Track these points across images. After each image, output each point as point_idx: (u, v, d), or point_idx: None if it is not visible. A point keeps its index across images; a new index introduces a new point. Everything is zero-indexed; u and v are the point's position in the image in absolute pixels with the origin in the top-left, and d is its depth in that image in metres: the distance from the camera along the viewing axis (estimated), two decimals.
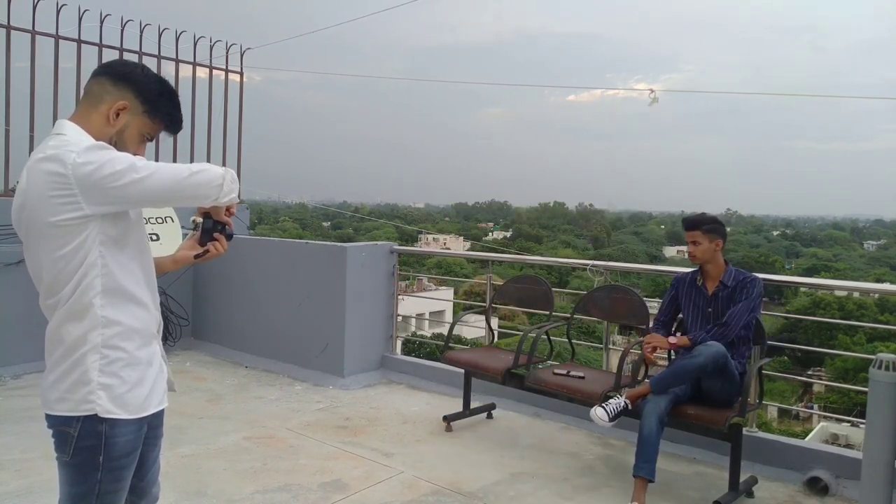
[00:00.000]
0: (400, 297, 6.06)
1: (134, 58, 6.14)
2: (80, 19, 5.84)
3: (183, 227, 5.43)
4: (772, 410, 19.96)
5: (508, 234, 60.13)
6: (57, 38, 5.76)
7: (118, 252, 1.67)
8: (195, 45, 6.68)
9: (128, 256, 1.70)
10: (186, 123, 6.63)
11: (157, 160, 1.66)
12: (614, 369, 3.85)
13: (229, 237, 1.89)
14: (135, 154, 1.70)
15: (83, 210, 1.58)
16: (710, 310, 3.63)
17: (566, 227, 67.01)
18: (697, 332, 3.56)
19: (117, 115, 1.71)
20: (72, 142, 1.62)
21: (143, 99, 1.73)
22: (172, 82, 6.41)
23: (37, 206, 1.59)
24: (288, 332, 5.80)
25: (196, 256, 1.89)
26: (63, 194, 1.56)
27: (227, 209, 1.82)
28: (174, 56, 6.57)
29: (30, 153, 1.73)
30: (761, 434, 3.95)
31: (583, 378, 3.88)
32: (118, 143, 1.72)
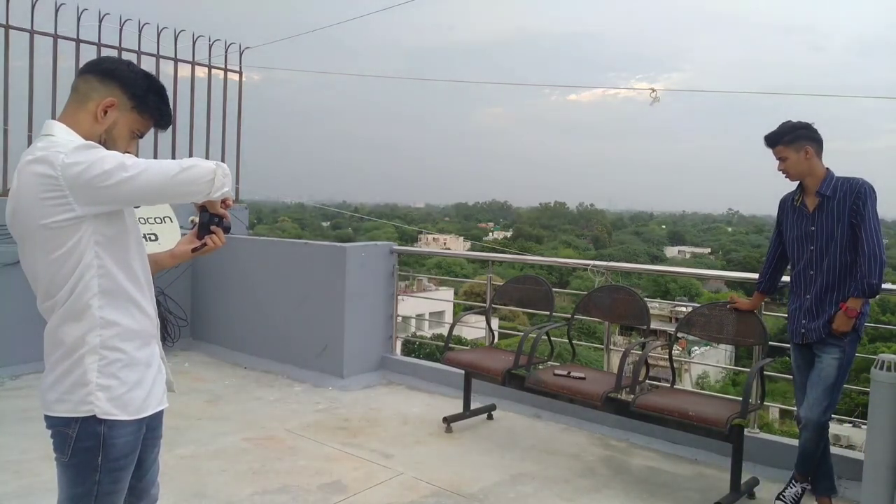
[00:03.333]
0: (400, 297, 6.05)
1: (133, 57, 6.14)
2: (78, 18, 5.84)
3: (182, 226, 5.41)
4: (773, 411, 19.95)
5: (509, 234, 60.13)
6: (55, 37, 5.76)
7: (115, 252, 1.66)
8: (194, 44, 6.69)
9: (125, 256, 1.69)
10: (186, 123, 6.61)
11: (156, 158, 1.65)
12: (615, 370, 3.84)
13: (227, 230, 1.88)
14: (125, 151, 1.69)
15: (75, 211, 1.56)
16: (813, 228, 3.19)
17: (567, 227, 66.99)
18: (853, 280, 3.08)
19: (105, 112, 1.70)
20: (60, 142, 1.60)
21: (130, 95, 1.72)
22: (171, 82, 6.48)
23: (29, 208, 1.58)
24: (287, 332, 5.79)
25: (194, 250, 1.88)
26: (54, 196, 1.55)
27: (223, 202, 1.81)
28: (173, 55, 6.56)
29: None
30: (763, 435, 3.94)
31: (583, 379, 3.87)
32: (108, 141, 1.70)
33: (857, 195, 3.08)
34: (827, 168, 3.21)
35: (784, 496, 3.29)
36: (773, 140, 3.26)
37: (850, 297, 3.09)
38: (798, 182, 3.29)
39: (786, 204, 3.39)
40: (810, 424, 3.14)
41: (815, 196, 3.20)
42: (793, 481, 3.33)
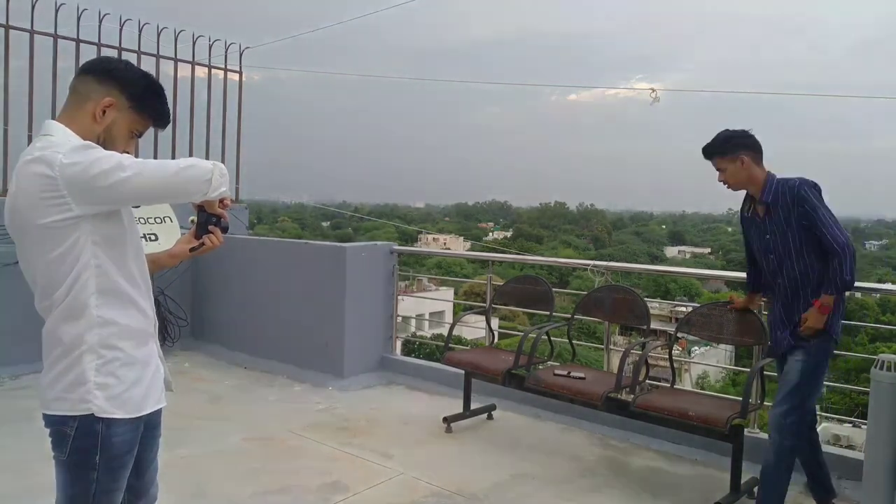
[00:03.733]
0: (400, 297, 6.05)
1: (133, 57, 6.14)
2: (78, 18, 5.84)
3: (182, 226, 5.41)
4: None
5: (509, 234, 60.10)
6: (55, 37, 5.76)
7: (112, 251, 1.66)
8: (194, 44, 6.68)
9: (122, 256, 1.69)
10: (186, 123, 6.60)
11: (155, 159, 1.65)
12: (615, 370, 3.84)
13: (224, 229, 1.88)
14: (124, 151, 1.69)
15: (73, 211, 1.57)
16: (767, 237, 3.16)
17: (567, 227, 66.93)
18: (826, 282, 2.99)
19: (104, 112, 1.70)
20: (58, 142, 1.61)
21: (128, 95, 1.72)
22: (171, 82, 6.48)
23: (27, 208, 1.58)
24: (287, 332, 5.79)
25: (192, 249, 1.88)
26: (52, 196, 1.55)
27: (221, 201, 1.81)
28: (173, 55, 6.56)
29: None
30: (763, 435, 3.92)
31: (583, 379, 3.86)
32: (106, 141, 1.70)
33: (795, 199, 3.04)
34: (767, 172, 3.17)
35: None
36: (709, 152, 3.24)
37: (824, 295, 3.00)
38: (746, 191, 3.28)
39: (744, 215, 3.36)
40: (770, 424, 3.09)
41: (761, 204, 3.18)
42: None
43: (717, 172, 3.23)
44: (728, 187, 3.24)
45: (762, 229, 3.19)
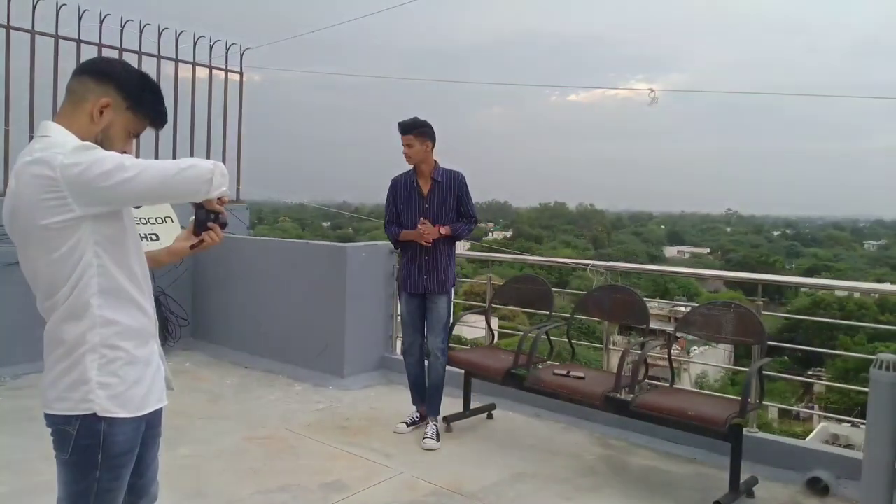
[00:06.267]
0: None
1: (134, 58, 6.14)
2: (79, 19, 5.85)
3: (182, 226, 5.41)
4: (772, 411, 19.96)
5: (508, 234, 60.00)
6: (56, 37, 5.76)
7: (113, 251, 1.67)
8: (195, 44, 6.68)
9: (124, 255, 1.69)
10: (186, 124, 6.60)
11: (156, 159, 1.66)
12: (615, 369, 3.85)
13: (223, 225, 1.88)
14: (122, 151, 1.69)
15: (74, 212, 1.57)
16: (426, 206, 4.17)
17: (566, 227, 66.83)
18: (457, 224, 4.19)
19: (101, 112, 1.70)
20: (57, 143, 1.61)
21: (126, 95, 1.72)
22: (172, 82, 6.49)
23: (28, 209, 1.58)
24: (288, 332, 5.79)
25: (192, 247, 1.88)
26: (53, 197, 1.55)
27: (219, 198, 1.80)
28: (174, 56, 6.57)
29: None
30: (762, 434, 3.95)
31: (583, 378, 3.87)
32: (104, 142, 1.70)
33: (459, 184, 4.20)
34: (436, 160, 4.18)
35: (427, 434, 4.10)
36: (406, 128, 4.05)
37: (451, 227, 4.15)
38: (413, 167, 4.17)
39: (399, 184, 4.26)
40: (438, 352, 4.20)
41: (430, 180, 4.16)
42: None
43: (405, 146, 4.07)
44: (409, 160, 4.13)
45: (422, 199, 4.18)
